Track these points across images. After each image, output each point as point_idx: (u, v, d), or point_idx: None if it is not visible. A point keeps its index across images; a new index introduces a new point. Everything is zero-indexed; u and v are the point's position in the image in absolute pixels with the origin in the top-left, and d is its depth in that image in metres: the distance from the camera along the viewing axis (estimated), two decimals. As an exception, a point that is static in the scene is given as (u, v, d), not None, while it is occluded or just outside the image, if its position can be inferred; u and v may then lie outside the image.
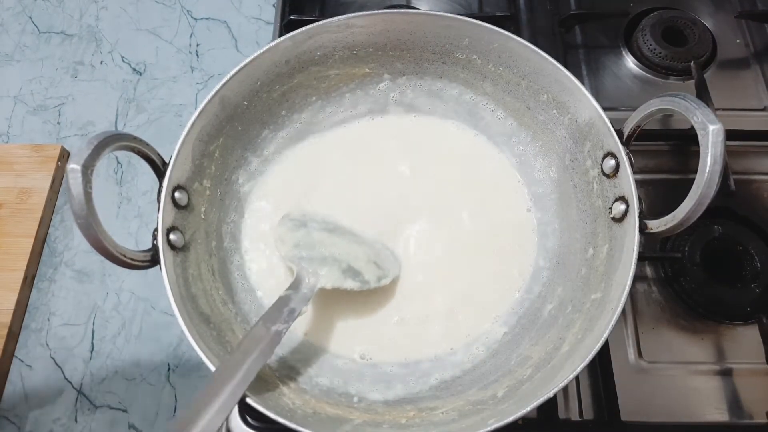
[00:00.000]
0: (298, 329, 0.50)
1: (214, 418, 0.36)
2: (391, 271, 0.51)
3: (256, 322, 0.43)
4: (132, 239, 0.61)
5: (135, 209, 0.62)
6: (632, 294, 0.55)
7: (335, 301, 0.51)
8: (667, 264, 0.56)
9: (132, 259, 0.40)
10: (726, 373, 0.52)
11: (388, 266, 0.52)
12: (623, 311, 0.47)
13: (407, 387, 0.47)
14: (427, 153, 0.57)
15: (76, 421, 0.52)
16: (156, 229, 0.43)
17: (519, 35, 0.52)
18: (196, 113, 0.47)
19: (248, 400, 0.38)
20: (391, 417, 0.43)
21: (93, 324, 0.57)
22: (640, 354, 0.53)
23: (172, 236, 0.44)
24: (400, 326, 0.50)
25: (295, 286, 0.46)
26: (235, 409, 0.47)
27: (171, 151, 0.45)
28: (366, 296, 0.50)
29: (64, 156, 0.64)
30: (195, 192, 0.48)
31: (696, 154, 0.39)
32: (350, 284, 0.48)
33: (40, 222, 0.59)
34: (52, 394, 0.53)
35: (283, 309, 0.43)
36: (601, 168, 0.48)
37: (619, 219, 0.46)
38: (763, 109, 0.65)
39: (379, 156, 0.57)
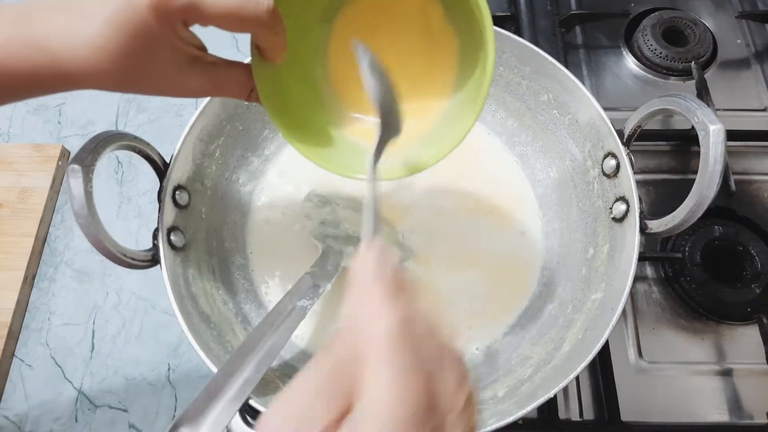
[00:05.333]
0: (300, 331, 0.49)
1: (242, 388, 0.37)
2: (412, 254, 0.52)
3: (282, 297, 0.43)
4: (132, 239, 0.61)
5: (135, 209, 0.62)
6: (632, 294, 0.55)
7: (338, 304, 0.51)
8: (668, 264, 0.56)
9: (132, 259, 0.40)
10: (726, 373, 0.52)
11: (410, 249, 0.52)
12: (623, 311, 0.47)
13: (407, 387, 0.47)
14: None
15: (76, 420, 0.52)
16: (156, 229, 0.43)
17: (519, 35, 0.52)
18: (197, 113, 0.47)
19: (249, 401, 0.38)
20: (392, 417, 0.43)
21: (93, 324, 0.56)
22: (640, 354, 0.53)
23: (172, 236, 0.44)
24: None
25: (320, 263, 0.47)
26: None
27: (171, 150, 0.45)
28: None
29: (65, 155, 0.64)
30: (195, 192, 0.48)
31: (696, 155, 0.39)
32: None
33: (41, 221, 0.59)
34: (52, 393, 0.53)
35: (308, 285, 0.44)
36: (602, 168, 0.48)
37: (620, 219, 0.46)
38: (764, 110, 0.65)
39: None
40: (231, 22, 0.29)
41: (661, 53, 0.67)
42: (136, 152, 0.42)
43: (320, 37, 0.39)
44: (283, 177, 0.56)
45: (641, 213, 0.43)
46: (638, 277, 0.56)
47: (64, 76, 0.29)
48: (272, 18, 0.30)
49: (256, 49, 0.34)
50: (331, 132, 0.40)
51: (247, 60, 0.35)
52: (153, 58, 0.29)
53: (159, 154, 0.44)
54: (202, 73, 0.32)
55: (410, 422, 0.19)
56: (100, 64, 0.28)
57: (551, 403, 0.49)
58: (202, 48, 0.32)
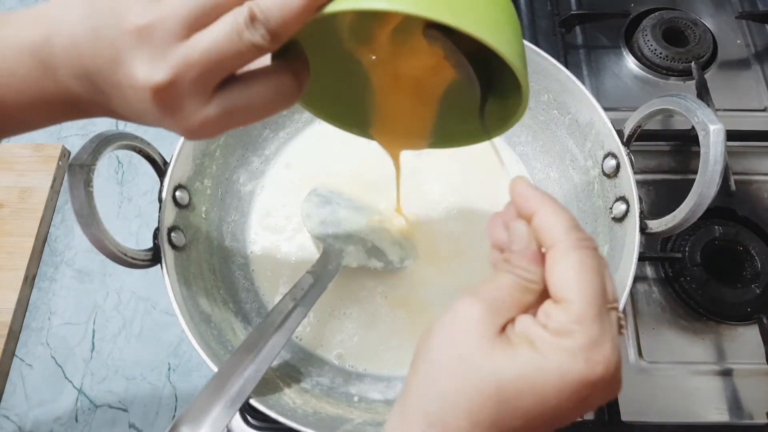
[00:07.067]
0: (300, 331, 0.49)
1: (242, 388, 0.37)
2: (412, 253, 0.52)
3: (283, 296, 0.43)
4: (133, 239, 0.61)
5: (136, 209, 0.62)
6: (632, 294, 0.55)
7: (339, 303, 0.51)
8: (668, 264, 0.56)
9: (133, 258, 0.40)
10: (726, 373, 0.52)
11: (410, 248, 0.52)
12: (623, 311, 0.47)
13: (408, 387, 0.47)
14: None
15: (76, 420, 0.52)
16: (157, 229, 0.43)
17: (520, 35, 0.52)
18: (197, 113, 0.47)
19: (249, 400, 0.38)
20: (392, 416, 0.43)
21: (93, 323, 0.56)
22: (640, 354, 0.53)
23: (173, 235, 0.44)
24: (404, 338, 0.50)
25: (321, 262, 0.47)
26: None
27: (172, 150, 0.45)
28: (371, 304, 0.51)
29: (65, 155, 0.64)
30: (196, 191, 0.49)
31: (696, 155, 0.39)
32: (375, 264, 0.49)
33: (41, 221, 0.59)
34: (52, 393, 0.53)
35: (309, 285, 0.44)
36: (602, 168, 0.48)
37: (620, 219, 0.46)
38: (764, 110, 0.65)
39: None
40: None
41: (661, 53, 0.67)
42: (136, 152, 0.42)
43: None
44: (284, 176, 0.57)
45: (641, 213, 0.43)
46: (638, 277, 0.56)
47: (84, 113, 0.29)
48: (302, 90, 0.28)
49: None
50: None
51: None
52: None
53: (159, 154, 0.44)
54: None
55: (601, 295, 0.23)
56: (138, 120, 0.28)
57: (551, 402, 0.49)
58: None
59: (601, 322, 0.23)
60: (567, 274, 0.23)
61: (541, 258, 0.25)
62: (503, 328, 0.24)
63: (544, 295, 0.25)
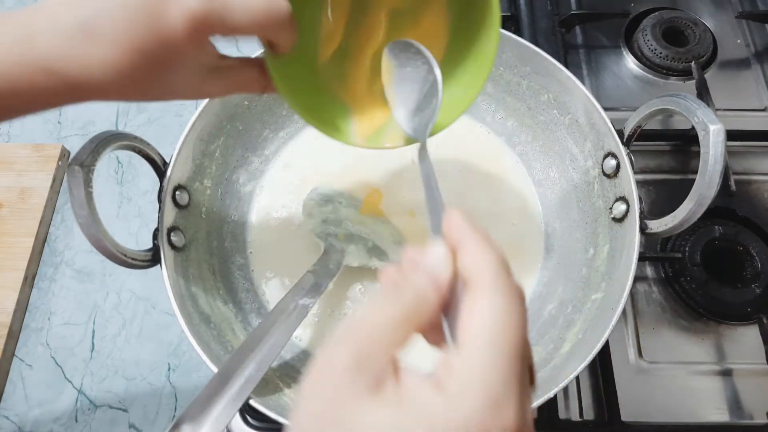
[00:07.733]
0: (299, 332, 0.49)
1: (243, 387, 0.37)
2: None
3: (284, 295, 0.43)
4: (133, 239, 0.61)
5: (136, 209, 0.62)
6: (632, 294, 0.55)
7: (340, 303, 0.51)
8: (668, 264, 0.56)
9: (133, 259, 0.40)
10: (726, 373, 0.52)
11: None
12: (624, 311, 0.47)
13: (407, 387, 0.47)
14: (433, 144, 0.57)
15: (76, 420, 0.52)
16: (157, 229, 0.43)
17: (520, 35, 0.52)
18: (197, 113, 0.47)
19: (249, 400, 0.38)
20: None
21: (93, 323, 0.56)
22: (640, 354, 0.53)
23: (172, 236, 0.44)
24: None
25: (322, 261, 0.47)
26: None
27: (171, 150, 0.45)
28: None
29: (65, 156, 0.64)
30: (196, 192, 0.49)
31: (696, 155, 0.39)
32: (376, 263, 0.49)
33: (41, 221, 0.59)
34: (52, 393, 0.53)
35: (309, 284, 0.45)
36: (602, 168, 0.48)
37: (620, 219, 0.46)
38: (764, 110, 0.65)
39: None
40: (254, 31, 0.30)
41: (661, 53, 0.67)
42: (136, 152, 0.42)
43: (318, 11, 0.38)
44: (284, 177, 0.56)
45: (641, 213, 0.43)
46: (638, 277, 0.56)
47: (74, 94, 0.29)
48: (290, 20, 0.30)
49: (267, 44, 0.33)
50: (347, 107, 0.39)
51: (255, 54, 0.35)
52: (178, 76, 0.30)
53: (159, 154, 0.44)
54: (221, 79, 0.33)
55: (518, 349, 0.19)
56: (121, 86, 0.28)
57: (551, 403, 0.49)
58: (221, 56, 0.32)
59: (518, 382, 0.19)
60: (483, 320, 0.20)
61: (450, 295, 0.22)
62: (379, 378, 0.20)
63: (434, 333, 0.22)
